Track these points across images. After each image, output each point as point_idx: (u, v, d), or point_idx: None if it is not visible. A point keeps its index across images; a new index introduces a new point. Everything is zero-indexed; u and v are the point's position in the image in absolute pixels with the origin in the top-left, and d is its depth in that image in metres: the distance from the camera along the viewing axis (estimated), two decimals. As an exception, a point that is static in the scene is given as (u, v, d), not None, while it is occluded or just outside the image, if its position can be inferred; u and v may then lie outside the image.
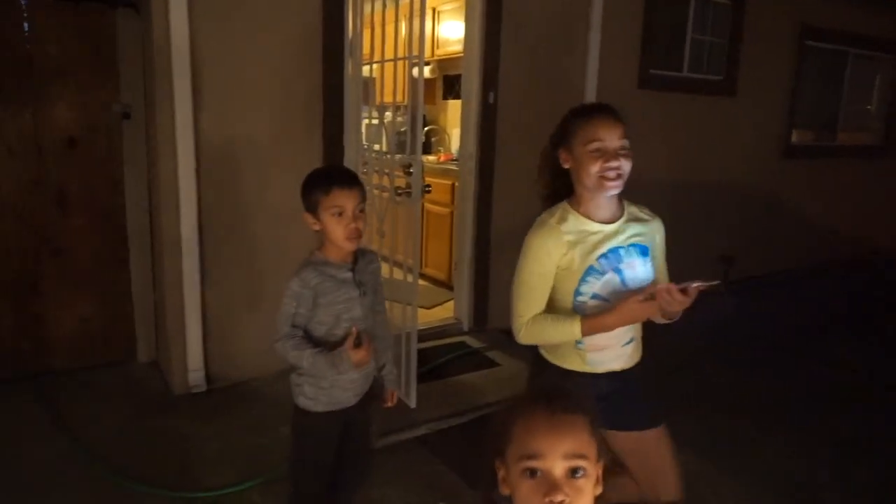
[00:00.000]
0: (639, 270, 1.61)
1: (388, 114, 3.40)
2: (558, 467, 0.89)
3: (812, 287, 5.58)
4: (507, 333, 3.70)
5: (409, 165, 2.91)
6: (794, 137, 5.68)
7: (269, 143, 3.11)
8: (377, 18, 3.18)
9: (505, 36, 3.66)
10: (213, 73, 2.91)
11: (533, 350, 1.75)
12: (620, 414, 1.57)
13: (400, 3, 3.20)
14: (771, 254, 5.59)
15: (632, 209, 1.69)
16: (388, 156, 3.16)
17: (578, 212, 1.62)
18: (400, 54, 2.92)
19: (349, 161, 3.26)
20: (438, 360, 3.48)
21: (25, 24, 2.92)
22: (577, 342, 1.61)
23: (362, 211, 1.64)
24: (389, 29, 3.08)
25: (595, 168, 1.55)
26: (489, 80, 3.66)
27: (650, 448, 1.72)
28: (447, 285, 4.44)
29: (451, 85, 5.53)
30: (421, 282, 4.49)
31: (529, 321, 1.60)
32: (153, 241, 3.27)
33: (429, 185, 4.25)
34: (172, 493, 2.32)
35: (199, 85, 2.88)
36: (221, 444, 2.67)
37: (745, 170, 5.21)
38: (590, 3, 3.93)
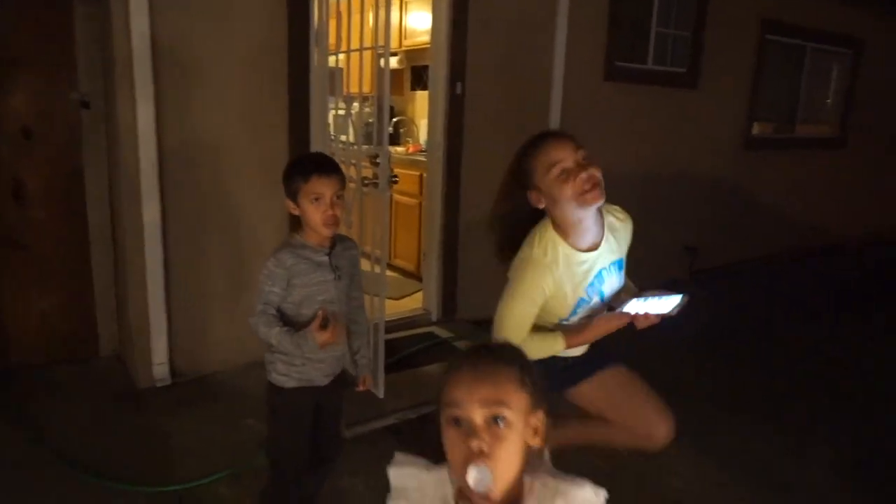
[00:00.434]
0: (615, 283, 1.70)
1: (356, 104, 3.39)
2: (478, 415, 0.90)
3: (772, 276, 5.74)
4: (476, 324, 3.77)
5: (376, 156, 2.90)
6: (755, 129, 5.82)
7: (234, 133, 3.07)
8: (343, 8, 3.15)
9: (472, 27, 3.67)
10: (175, 62, 2.86)
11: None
12: (580, 370, 1.75)
13: (366, -8, 3.18)
14: (734, 244, 5.73)
15: (609, 220, 1.71)
16: (355, 146, 3.15)
17: (566, 242, 1.60)
18: (367, 44, 2.91)
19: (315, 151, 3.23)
20: (407, 351, 3.49)
21: (-23, 10, 2.83)
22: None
23: (340, 198, 1.69)
24: (357, 19, 3.06)
25: (568, 190, 1.53)
26: (456, 70, 3.67)
27: (612, 385, 1.80)
28: (416, 276, 4.45)
29: (419, 76, 5.52)
30: (390, 273, 4.49)
31: (526, 338, 1.63)
32: (115, 234, 3.21)
33: (396, 176, 4.24)
34: (138, 488, 2.29)
35: (160, 74, 2.82)
36: (187, 437, 2.65)
37: (708, 161, 5.32)
38: (556, -4, 3.96)
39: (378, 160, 2.87)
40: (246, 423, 2.71)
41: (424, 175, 4.17)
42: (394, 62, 5.43)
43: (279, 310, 1.71)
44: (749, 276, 5.62)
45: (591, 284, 1.63)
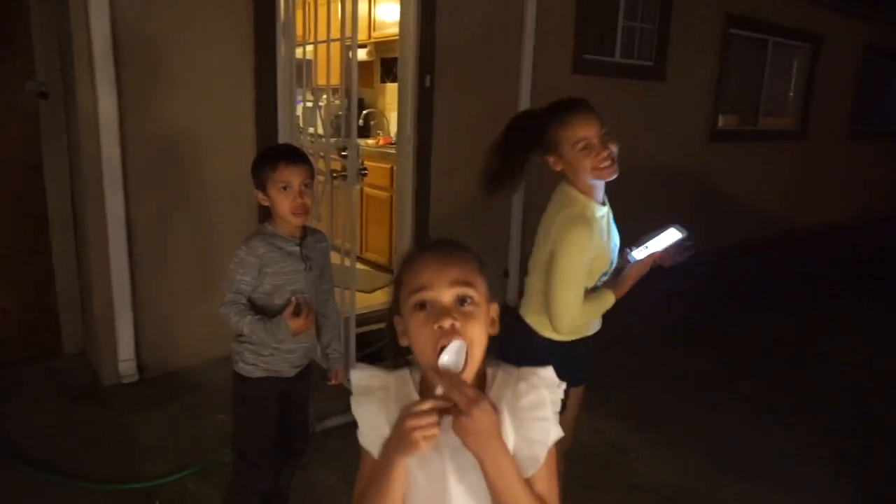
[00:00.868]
0: (614, 232, 1.82)
1: (325, 97, 3.36)
2: (445, 295, 0.91)
3: (736, 265, 5.88)
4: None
5: (345, 149, 2.89)
6: (720, 122, 5.94)
7: (200, 125, 3.02)
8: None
9: (440, 20, 3.66)
10: (137, 52, 2.80)
11: (521, 325, 1.80)
12: (583, 371, 1.84)
13: (333, -17, 3.15)
14: (700, 233, 5.83)
15: None
16: (324, 139, 3.13)
17: (590, 198, 1.72)
18: (334, 36, 2.88)
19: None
20: (379, 344, 3.49)
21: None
22: None
23: (307, 186, 1.69)
24: (324, 10, 3.03)
25: (589, 163, 1.65)
26: (425, 63, 3.66)
27: (578, 401, 1.90)
28: (388, 269, 4.44)
29: (388, 68, 5.49)
30: (361, 266, 4.48)
31: (578, 310, 1.67)
32: (78, 228, 3.13)
33: (365, 168, 4.22)
34: (103, 487, 2.26)
35: (122, 64, 2.76)
36: (155, 434, 2.62)
37: (675, 153, 5.41)
38: (524, -12, 3.98)
39: (346, 153, 2.85)
40: (215, 419, 2.68)
41: (395, 168, 4.16)
42: (363, 54, 5.39)
43: (249, 299, 1.70)
44: (715, 266, 5.74)
45: (609, 233, 1.75)
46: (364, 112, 5.51)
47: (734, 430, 2.90)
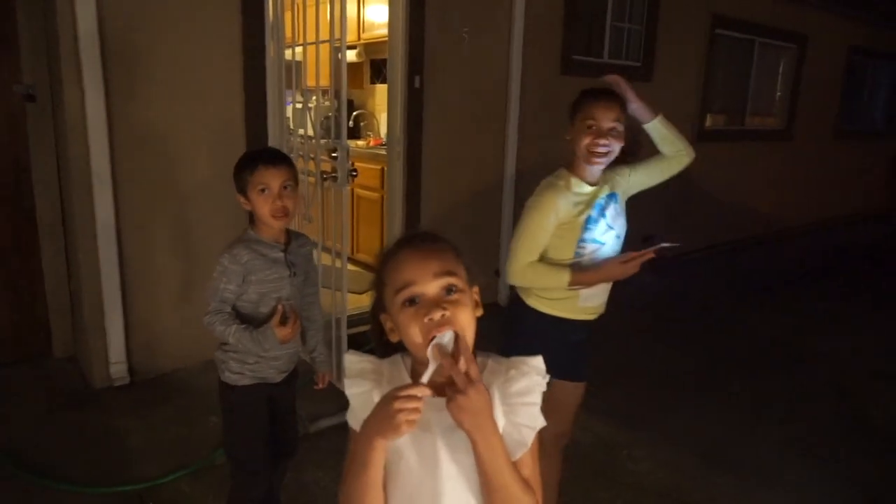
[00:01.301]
0: (614, 213, 1.87)
1: (316, 98, 3.36)
2: (431, 287, 0.94)
3: (724, 263, 5.94)
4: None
5: (335, 150, 2.89)
6: (708, 122, 5.99)
7: (189, 127, 3.02)
8: (298, 0, 3.11)
9: (429, 20, 3.68)
10: (124, 53, 2.79)
11: (515, 301, 1.93)
12: (581, 364, 1.88)
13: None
14: (688, 233, 5.89)
15: (607, 172, 1.90)
16: (314, 140, 3.13)
17: (577, 176, 1.84)
18: (324, 37, 2.89)
19: (273, 146, 3.20)
20: (370, 346, 3.49)
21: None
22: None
23: (287, 188, 1.66)
24: (313, 12, 3.04)
25: (586, 141, 1.77)
26: (415, 64, 3.67)
27: (579, 398, 1.94)
28: (378, 270, 4.44)
29: (378, 69, 5.50)
30: (353, 267, 4.48)
31: (527, 265, 1.81)
32: (67, 230, 3.12)
33: (355, 170, 4.22)
34: (93, 490, 2.25)
35: (109, 66, 2.75)
36: (147, 436, 2.61)
37: (663, 153, 5.44)
38: (513, -10, 4.00)
39: (336, 154, 2.86)
40: (208, 421, 2.68)
41: (385, 168, 4.17)
42: (353, 55, 5.40)
43: (234, 308, 1.68)
44: (704, 264, 5.80)
45: (596, 207, 1.82)
46: (354, 113, 5.52)
47: (726, 427, 2.93)
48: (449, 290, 0.94)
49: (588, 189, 1.83)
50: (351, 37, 5.18)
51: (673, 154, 1.97)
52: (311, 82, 3.22)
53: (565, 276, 1.77)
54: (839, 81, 7.59)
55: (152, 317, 3.08)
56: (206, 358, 3.04)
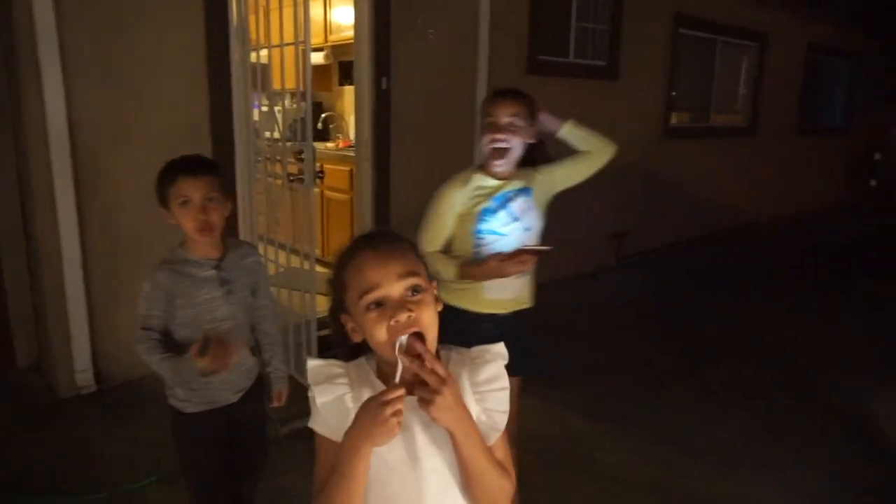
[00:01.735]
0: (524, 206, 1.89)
1: (285, 100, 3.36)
2: (395, 289, 0.95)
3: (692, 258, 6.06)
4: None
5: (302, 152, 2.90)
6: (674, 119, 6.10)
7: (154, 131, 2.99)
8: (262, 2, 3.11)
9: (395, 21, 3.69)
10: (84, 59, 2.75)
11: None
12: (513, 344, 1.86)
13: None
14: (658, 229, 6.00)
15: (526, 169, 1.94)
16: (281, 143, 3.13)
17: (483, 171, 1.90)
18: (289, 40, 2.89)
19: (240, 149, 3.19)
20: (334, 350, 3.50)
21: None
22: None
23: (213, 200, 1.54)
24: (277, 14, 3.03)
25: (485, 140, 1.84)
26: (381, 65, 3.68)
27: (515, 393, 1.96)
28: (350, 271, 4.44)
29: (346, 71, 5.49)
30: (323, 269, 4.47)
31: (433, 252, 1.88)
32: (28, 237, 3.07)
33: (322, 171, 4.22)
34: (58, 499, 2.22)
35: (70, 73, 2.71)
36: (115, 444, 2.58)
37: (630, 150, 5.50)
38: (478, -9, 4.04)
39: (303, 156, 2.86)
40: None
41: (354, 170, 4.17)
42: (320, 57, 5.39)
43: (169, 332, 1.57)
44: (672, 259, 5.91)
45: (496, 199, 1.87)
46: (323, 115, 5.51)
47: (700, 417, 3.00)
48: (413, 290, 0.96)
49: (492, 182, 1.88)
50: (318, 39, 5.17)
51: (594, 149, 2.02)
52: (277, 85, 3.21)
53: (452, 269, 1.83)
54: (799, 78, 7.79)
55: (118, 322, 3.04)
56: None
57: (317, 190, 4.05)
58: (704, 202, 6.54)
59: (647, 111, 5.70)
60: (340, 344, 1.06)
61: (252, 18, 3.11)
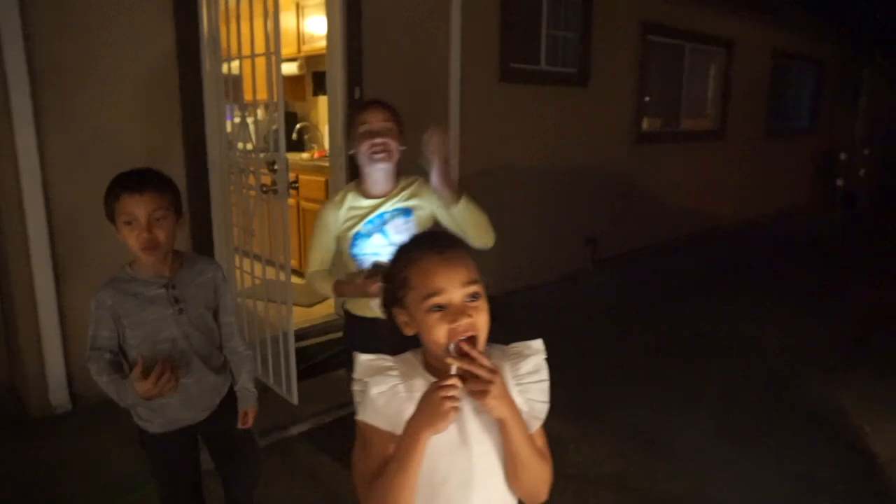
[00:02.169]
0: (401, 227, 1.93)
1: (259, 111, 3.36)
2: (457, 296, 1.02)
3: (664, 261, 6.14)
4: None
5: (275, 162, 2.89)
6: (645, 124, 6.20)
7: (125, 146, 2.96)
8: (233, 13, 3.11)
9: (367, 31, 3.71)
10: (53, 74, 2.73)
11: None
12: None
13: (256, -2, 3.16)
14: (631, 233, 6.08)
15: (406, 183, 2.00)
16: (254, 154, 3.12)
17: (358, 190, 1.98)
18: (260, 50, 2.89)
19: (213, 161, 3.18)
20: (320, 357, 3.49)
21: None
22: None
23: (161, 219, 1.48)
24: (249, 25, 3.03)
25: (364, 147, 1.90)
26: (354, 75, 3.70)
27: None
28: (327, 282, 4.43)
29: (320, 81, 5.48)
30: (298, 280, 4.45)
31: (313, 272, 2.01)
32: (-3, 256, 3.01)
33: (296, 182, 4.21)
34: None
35: (39, 88, 2.69)
36: (90, 463, 2.54)
37: (603, 156, 5.62)
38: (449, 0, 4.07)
39: (276, 166, 2.86)
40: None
41: (329, 180, 4.17)
42: (294, 68, 5.38)
43: (123, 352, 1.54)
44: (644, 263, 5.99)
45: (371, 222, 1.93)
46: (298, 126, 5.50)
47: (667, 416, 3.04)
48: (474, 296, 1.03)
49: (366, 203, 1.94)
50: (291, 49, 5.17)
51: (473, 237, 1.83)
52: (248, 97, 3.21)
53: (328, 287, 1.95)
54: (766, 83, 7.98)
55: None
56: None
57: (292, 200, 4.03)
58: (677, 205, 6.65)
59: (618, 117, 5.79)
60: (391, 334, 1.11)
61: (223, 29, 3.11)
